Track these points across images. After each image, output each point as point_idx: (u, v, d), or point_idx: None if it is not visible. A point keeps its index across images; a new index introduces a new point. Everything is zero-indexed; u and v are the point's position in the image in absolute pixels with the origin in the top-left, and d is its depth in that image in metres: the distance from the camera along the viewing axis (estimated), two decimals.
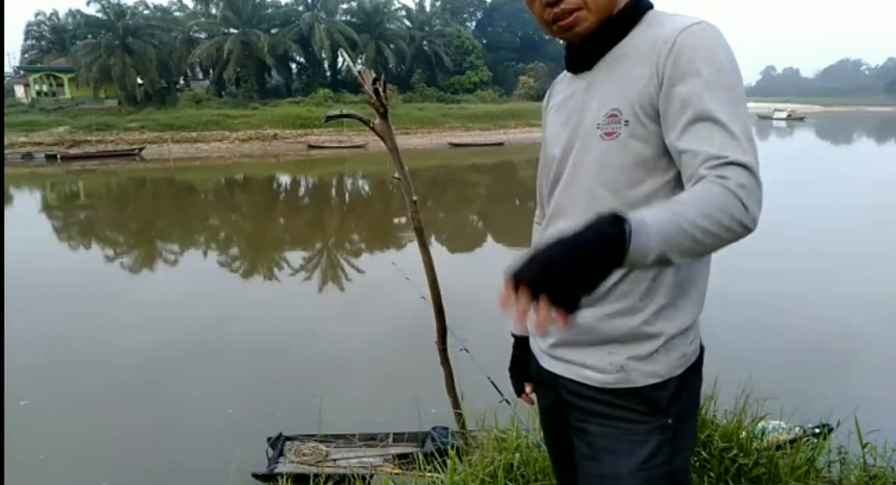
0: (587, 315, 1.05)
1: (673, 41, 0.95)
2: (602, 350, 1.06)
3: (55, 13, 44.12)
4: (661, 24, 1.01)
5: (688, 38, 0.94)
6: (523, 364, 1.34)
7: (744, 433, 2.20)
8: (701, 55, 0.93)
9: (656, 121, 0.98)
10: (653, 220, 0.80)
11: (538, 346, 1.20)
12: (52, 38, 43.48)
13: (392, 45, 42.57)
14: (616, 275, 1.00)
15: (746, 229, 0.84)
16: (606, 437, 1.06)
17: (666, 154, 0.99)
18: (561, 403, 1.16)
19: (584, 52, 1.09)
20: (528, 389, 1.36)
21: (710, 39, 0.94)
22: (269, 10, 41.07)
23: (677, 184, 0.99)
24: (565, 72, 1.21)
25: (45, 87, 38.03)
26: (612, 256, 0.78)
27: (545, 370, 1.17)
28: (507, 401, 2.71)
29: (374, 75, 2.84)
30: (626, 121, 0.99)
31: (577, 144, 1.08)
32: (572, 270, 0.76)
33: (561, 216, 1.12)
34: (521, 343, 1.34)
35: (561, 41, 1.14)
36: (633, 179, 1.02)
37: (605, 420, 1.07)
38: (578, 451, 1.12)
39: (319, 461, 4.14)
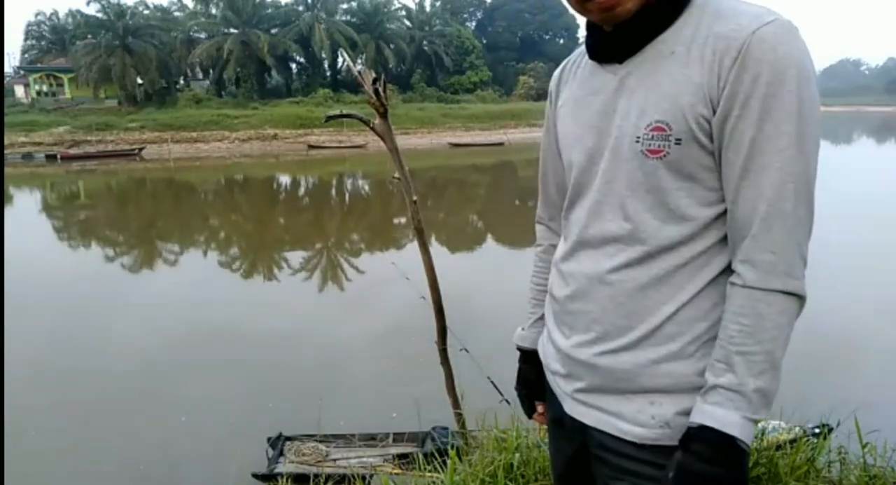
0: (626, 360, 0.91)
1: (741, 47, 0.78)
2: (642, 399, 0.90)
3: (55, 13, 44.18)
4: (720, 15, 0.83)
5: (760, 46, 0.78)
6: (532, 380, 1.18)
7: None
8: (776, 76, 0.78)
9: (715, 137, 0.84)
10: (742, 392, 0.81)
11: (561, 387, 1.03)
12: (52, 38, 43.46)
13: (392, 45, 42.55)
14: (661, 315, 0.89)
15: (802, 302, 0.84)
16: None
17: None
18: (586, 453, 1.00)
19: (618, 41, 0.89)
20: (540, 408, 1.20)
21: (786, 49, 0.78)
22: (269, 10, 41.04)
23: None
24: (583, 56, 1.00)
25: (45, 87, 38.04)
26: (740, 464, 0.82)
27: (569, 417, 1.01)
28: (507, 401, 2.71)
29: (374, 75, 2.84)
30: (678, 139, 0.83)
31: (605, 154, 0.91)
32: None
33: (590, 247, 0.95)
34: (529, 357, 1.19)
35: (571, 27, 0.99)
36: (690, 203, 0.86)
37: (642, 480, 0.91)
38: None
39: (319, 461, 4.15)
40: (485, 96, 44.49)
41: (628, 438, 0.91)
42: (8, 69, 42.99)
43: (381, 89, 2.80)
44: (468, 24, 52.53)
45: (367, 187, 23.80)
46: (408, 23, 46.07)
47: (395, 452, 4.24)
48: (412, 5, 48.14)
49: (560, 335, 1.01)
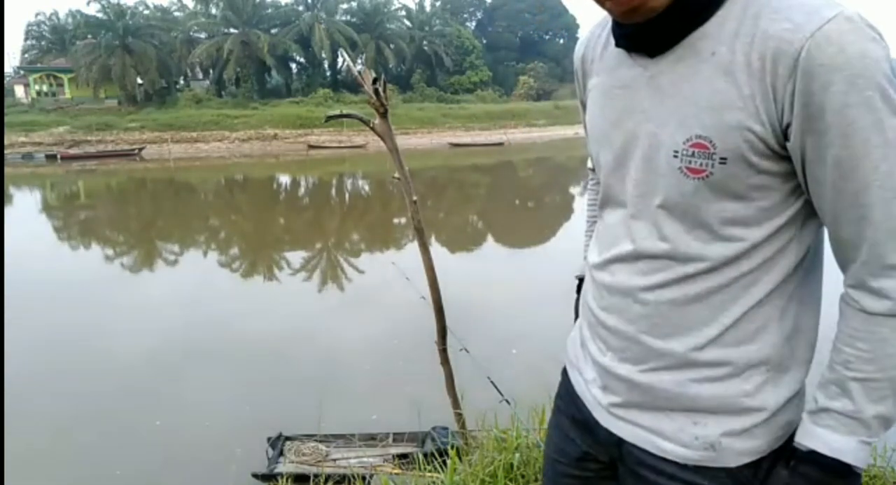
0: (667, 380, 0.83)
1: (797, 53, 0.67)
2: (684, 418, 0.83)
3: (55, 13, 44.14)
4: (766, 5, 0.70)
5: (825, 49, 0.66)
6: None
7: None
8: (851, 82, 0.66)
9: (774, 157, 0.73)
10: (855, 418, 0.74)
11: (595, 397, 0.94)
12: (52, 38, 43.45)
13: (392, 45, 42.56)
14: (702, 337, 0.80)
15: None
16: None
17: (793, 193, 0.76)
18: (616, 466, 0.94)
19: (648, 34, 0.77)
20: None
21: (857, 48, 0.66)
22: (269, 10, 41.05)
23: (808, 216, 0.78)
24: (608, 30, 0.87)
25: (45, 87, 38.05)
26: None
27: (605, 430, 0.92)
28: (507, 401, 2.72)
29: (374, 75, 2.84)
30: (723, 158, 0.73)
31: (636, 161, 0.81)
32: None
33: (623, 261, 0.86)
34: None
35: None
36: (737, 224, 0.77)
37: None
38: None
39: (319, 461, 4.15)
40: (485, 96, 44.50)
41: (669, 457, 0.84)
42: (8, 69, 43.00)
43: (381, 89, 2.80)
44: (468, 24, 52.51)
45: (367, 187, 23.80)
46: (408, 23, 46.06)
47: (395, 452, 4.24)
48: (412, 5, 48.18)
49: (596, 349, 0.94)
